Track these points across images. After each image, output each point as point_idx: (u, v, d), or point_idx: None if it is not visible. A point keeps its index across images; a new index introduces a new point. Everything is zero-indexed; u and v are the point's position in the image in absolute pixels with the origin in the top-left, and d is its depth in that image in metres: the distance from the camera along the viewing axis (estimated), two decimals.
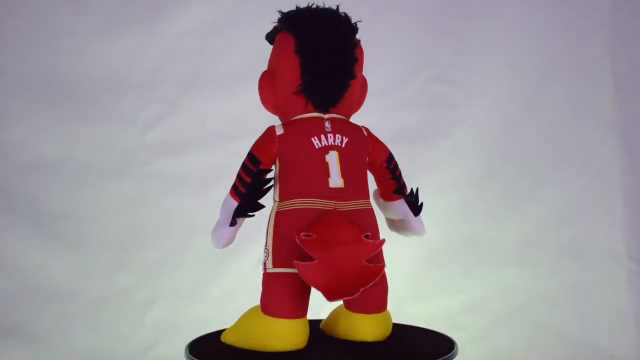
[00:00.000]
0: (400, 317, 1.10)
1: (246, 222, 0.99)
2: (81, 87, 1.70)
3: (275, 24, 1.02)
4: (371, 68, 1.04)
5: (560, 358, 1.70)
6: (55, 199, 1.69)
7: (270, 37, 1.03)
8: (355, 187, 0.97)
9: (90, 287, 1.69)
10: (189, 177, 1.72)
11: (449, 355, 0.93)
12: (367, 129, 1.02)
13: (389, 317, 1.01)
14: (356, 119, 1.02)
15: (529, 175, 1.74)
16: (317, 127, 0.97)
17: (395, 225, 1.07)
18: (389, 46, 1.72)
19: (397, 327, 1.03)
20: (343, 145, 0.97)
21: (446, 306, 1.72)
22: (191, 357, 0.94)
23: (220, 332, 1.05)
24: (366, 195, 0.99)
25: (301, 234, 0.89)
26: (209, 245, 0.98)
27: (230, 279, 1.69)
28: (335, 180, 0.95)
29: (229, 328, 1.01)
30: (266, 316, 0.95)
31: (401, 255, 1.58)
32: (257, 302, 0.98)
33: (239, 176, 0.96)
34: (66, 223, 1.69)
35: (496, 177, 1.74)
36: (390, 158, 1.03)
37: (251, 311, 0.99)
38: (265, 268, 0.95)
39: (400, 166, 1.04)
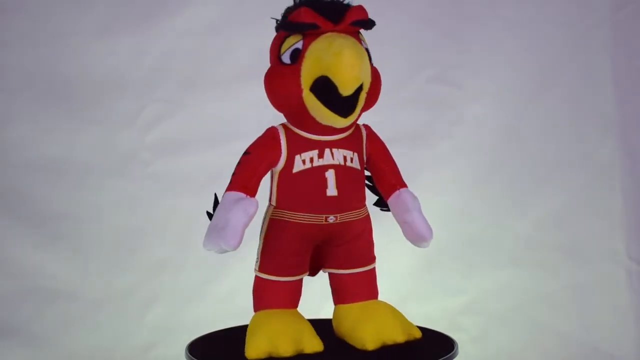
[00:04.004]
0: None
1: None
2: (81, 87, 1.70)
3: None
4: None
5: (560, 358, 1.69)
6: (55, 199, 1.69)
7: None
8: None
9: (90, 287, 1.69)
10: (189, 177, 1.72)
11: (449, 355, 0.93)
12: None
13: None
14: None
15: (529, 175, 1.74)
16: None
17: None
18: (389, 46, 1.72)
19: None
20: None
21: (446, 306, 1.72)
22: (191, 357, 0.94)
23: (219, 332, 1.05)
24: None
25: None
26: None
27: (230, 279, 1.69)
28: None
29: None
30: None
31: (401, 255, 1.58)
32: None
33: None
34: (66, 223, 1.69)
35: (496, 177, 1.74)
36: None
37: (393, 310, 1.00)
38: None
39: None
